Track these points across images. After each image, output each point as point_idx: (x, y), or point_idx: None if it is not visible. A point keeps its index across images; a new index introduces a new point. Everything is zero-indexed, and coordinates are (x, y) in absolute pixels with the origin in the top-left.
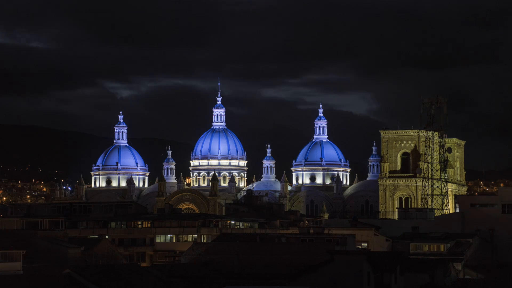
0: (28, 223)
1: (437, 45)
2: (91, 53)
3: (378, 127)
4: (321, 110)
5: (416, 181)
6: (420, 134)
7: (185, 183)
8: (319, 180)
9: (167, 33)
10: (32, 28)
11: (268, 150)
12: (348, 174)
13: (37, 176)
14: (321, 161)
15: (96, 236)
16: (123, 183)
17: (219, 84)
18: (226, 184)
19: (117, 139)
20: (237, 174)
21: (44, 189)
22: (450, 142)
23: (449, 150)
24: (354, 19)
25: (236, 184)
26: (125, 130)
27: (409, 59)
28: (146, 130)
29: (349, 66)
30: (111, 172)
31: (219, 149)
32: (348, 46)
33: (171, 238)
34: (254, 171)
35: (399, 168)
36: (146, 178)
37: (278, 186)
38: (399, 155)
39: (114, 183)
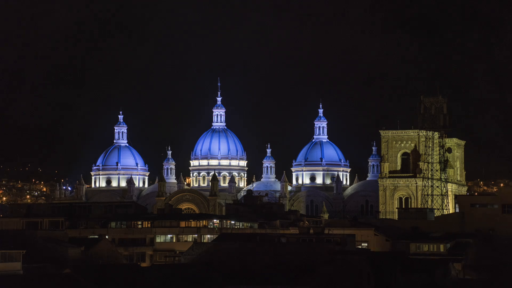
0: (28, 223)
1: (439, 43)
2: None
3: (378, 127)
4: (321, 110)
5: (416, 181)
6: (420, 134)
7: (185, 183)
8: (319, 180)
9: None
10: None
11: (268, 150)
12: (348, 174)
13: (37, 176)
14: (321, 161)
15: (96, 236)
16: (123, 183)
17: (219, 84)
18: (226, 184)
19: (117, 139)
20: (237, 174)
21: (44, 189)
22: (450, 142)
23: (449, 150)
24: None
25: (236, 184)
26: (125, 130)
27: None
28: (146, 130)
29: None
30: (111, 172)
31: (219, 149)
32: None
33: (171, 238)
34: (254, 171)
35: (399, 168)
36: (146, 178)
37: (278, 186)
38: (399, 155)
39: (114, 183)
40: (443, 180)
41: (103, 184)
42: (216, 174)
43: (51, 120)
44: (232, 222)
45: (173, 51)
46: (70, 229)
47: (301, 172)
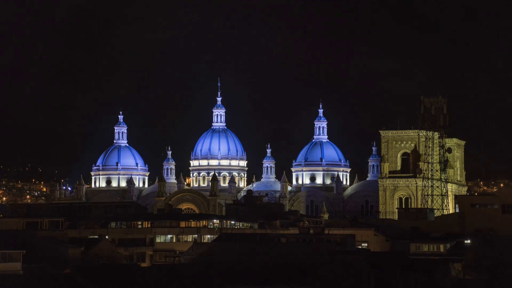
0: (28, 223)
1: (439, 43)
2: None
3: (378, 127)
4: (321, 110)
5: (416, 181)
6: (420, 134)
7: (185, 183)
8: (319, 180)
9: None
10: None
11: (268, 150)
12: (348, 174)
13: (37, 176)
14: (321, 161)
15: (96, 236)
16: (123, 183)
17: (219, 84)
18: (226, 184)
19: (117, 139)
20: (237, 174)
21: (44, 189)
22: (450, 142)
23: (449, 150)
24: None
25: (236, 184)
26: (125, 130)
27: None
28: (146, 130)
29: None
30: (111, 172)
31: (219, 149)
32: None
33: (171, 238)
34: (254, 171)
35: (399, 168)
36: (146, 178)
37: (278, 186)
38: (399, 155)
39: (114, 183)
40: (443, 180)
41: (103, 184)
42: (216, 174)
43: (51, 120)
44: (232, 222)
45: (173, 51)
46: (70, 229)
47: (301, 172)
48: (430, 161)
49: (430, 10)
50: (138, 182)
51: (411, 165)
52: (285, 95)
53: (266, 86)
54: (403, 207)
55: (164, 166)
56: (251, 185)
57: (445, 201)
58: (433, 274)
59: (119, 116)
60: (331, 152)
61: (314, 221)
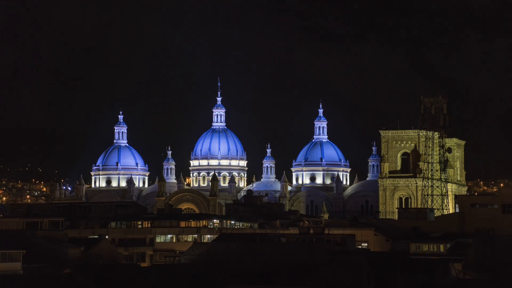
0: (28, 223)
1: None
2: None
3: (378, 127)
4: (321, 110)
5: (416, 181)
6: (420, 134)
7: (185, 183)
8: (319, 180)
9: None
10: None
11: (268, 150)
12: (348, 174)
13: (37, 176)
14: (321, 161)
15: (96, 236)
16: (123, 183)
17: (219, 84)
18: (226, 184)
19: (117, 139)
20: (237, 174)
21: (44, 189)
22: (450, 142)
23: (449, 150)
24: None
25: (236, 184)
26: (125, 130)
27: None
28: (146, 130)
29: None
30: (111, 172)
31: (219, 149)
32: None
33: (171, 238)
34: (254, 171)
35: (399, 168)
36: (146, 178)
37: (278, 186)
38: (399, 155)
39: (114, 183)
40: (443, 180)
41: (103, 184)
42: (216, 174)
43: (51, 120)
44: (232, 222)
45: (173, 51)
46: (70, 229)
47: (301, 172)
48: (430, 161)
49: (430, 10)
50: (138, 182)
51: (411, 165)
52: (285, 95)
53: (266, 86)
54: (403, 207)
55: (164, 166)
56: (251, 185)
57: (445, 201)
58: (433, 274)
59: (119, 116)
60: (331, 152)
61: (314, 221)
